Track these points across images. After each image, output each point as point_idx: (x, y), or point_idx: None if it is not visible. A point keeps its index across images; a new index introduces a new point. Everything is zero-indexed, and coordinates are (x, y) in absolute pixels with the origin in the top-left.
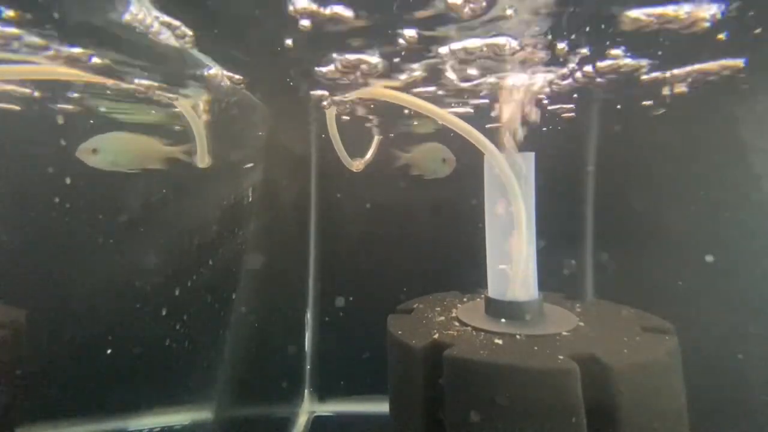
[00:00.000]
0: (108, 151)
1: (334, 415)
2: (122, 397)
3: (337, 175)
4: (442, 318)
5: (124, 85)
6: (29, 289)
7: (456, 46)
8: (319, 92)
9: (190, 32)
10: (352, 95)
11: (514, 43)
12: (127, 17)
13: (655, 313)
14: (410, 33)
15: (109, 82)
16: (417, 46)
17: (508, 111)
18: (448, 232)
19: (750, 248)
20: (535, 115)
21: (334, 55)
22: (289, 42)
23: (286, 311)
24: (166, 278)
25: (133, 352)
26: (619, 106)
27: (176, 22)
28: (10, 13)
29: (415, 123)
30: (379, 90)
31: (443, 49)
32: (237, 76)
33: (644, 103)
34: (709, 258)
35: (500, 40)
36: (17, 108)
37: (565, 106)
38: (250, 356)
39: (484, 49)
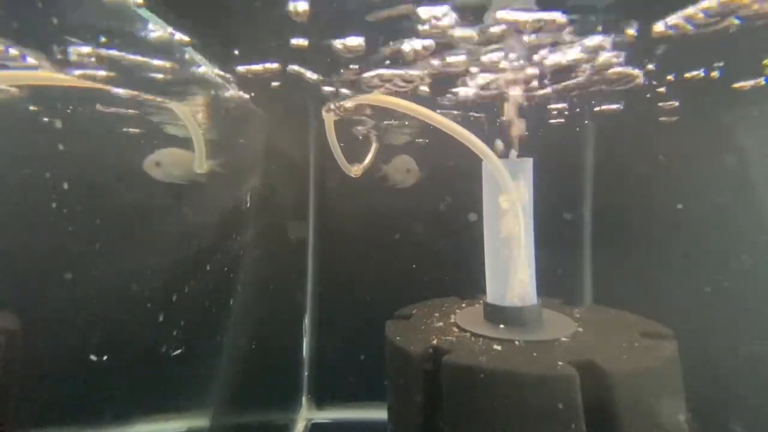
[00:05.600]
0: (166, 164)
1: (331, 422)
2: (118, 404)
3: (335, 180)
4: (441, 324)
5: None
6: (24, 294)
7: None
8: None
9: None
10: (350, 102)
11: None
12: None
13: (653, 319)
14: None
15: (105, 88)
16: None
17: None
18: (447, 238)
19: (750, 253)
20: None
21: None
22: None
23: (284, 317)
24: (163, 284)
25: (129, 358)
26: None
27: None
28: None
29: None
30: (380, 97)
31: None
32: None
33: (652, 106)
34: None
35: None
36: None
37: (563, 104)
38: (247, 363)
39: None
